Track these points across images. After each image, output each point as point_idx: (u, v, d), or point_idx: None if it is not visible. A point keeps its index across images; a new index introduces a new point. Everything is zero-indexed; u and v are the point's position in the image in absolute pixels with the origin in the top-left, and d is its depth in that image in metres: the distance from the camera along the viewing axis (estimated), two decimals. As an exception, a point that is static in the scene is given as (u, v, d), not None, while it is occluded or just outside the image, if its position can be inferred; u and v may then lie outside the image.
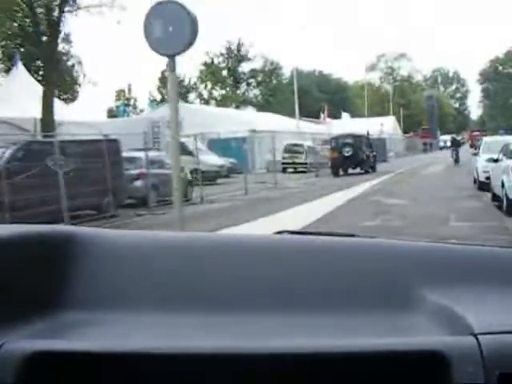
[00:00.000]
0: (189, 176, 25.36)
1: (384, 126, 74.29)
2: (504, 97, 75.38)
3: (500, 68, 78.14)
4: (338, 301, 1.36)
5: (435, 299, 1.32)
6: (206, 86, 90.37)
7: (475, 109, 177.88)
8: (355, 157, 38.20)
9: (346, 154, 38.14)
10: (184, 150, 30.67)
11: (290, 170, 43.76)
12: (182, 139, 35.59)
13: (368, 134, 47.53)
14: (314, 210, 19.47)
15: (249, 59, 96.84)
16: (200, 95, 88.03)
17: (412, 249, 1.56)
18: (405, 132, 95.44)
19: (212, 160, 36.66)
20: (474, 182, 25.42)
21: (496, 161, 18.90)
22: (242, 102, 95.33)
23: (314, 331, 1.26)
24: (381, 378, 1.13)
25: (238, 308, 1.33)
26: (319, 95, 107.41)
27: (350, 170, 39.22)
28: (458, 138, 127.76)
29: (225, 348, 1.14)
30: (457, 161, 45.48)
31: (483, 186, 22.40)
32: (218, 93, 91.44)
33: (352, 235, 1.69)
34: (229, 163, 39.05)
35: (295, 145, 45.45)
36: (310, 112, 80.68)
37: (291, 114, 65.90)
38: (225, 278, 1.41)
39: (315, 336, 1.23)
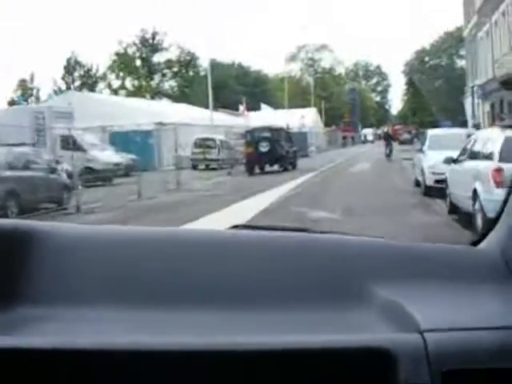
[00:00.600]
0: (64, 177, 19.85)
1: (305, 119, 69.85)
2: (429, 88, 71.66)
3: (426, 59, 74.56)
4: (287, 296, 1.35)
5: (384, 296, 1.32)
6: (117, 75, 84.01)
7: (397, 103, 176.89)
8: (273, 152, 33.35)
9: (263, 150, 33.20)
10: (72, 145, 25.31)
11: (202, 166, 38.48)
12: (74, 132, 30.46)
13: (288, 126, 42.40)
14: (213, 226, 14.18)
15: (164, 49, 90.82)
16: (109, 85, 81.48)
17: (363, 245, 1.56)
18: (326, 125, 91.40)
19: (106, 157, 30.99)
20: (417, 184, 20.55)
21: (455, 161, 13.95)
22: (156, 94, 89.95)
23: (262, 327, 1.25)
24: (327, 375, 1.13)
25: (188, 303, 1.32)
26: (238, 88, 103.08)
27: (268, 168, 34.61)
28: (378, 131, 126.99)
29: (171, 344, 1.14)
30: (389, 155, 43.67)
31: (431, 191, 17.85)
32: (130, 83, 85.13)
33: (305, 230, 1.69)
34: (129, 160, 33.23)
35: (207, 139, 40.34)
36: (229, 105, 77.26)
37: (208, 107, 61.30)
38: (177, 271, 1.39)
39: (263, 332, 1.21)
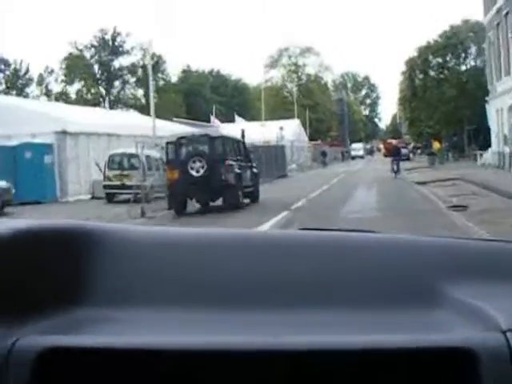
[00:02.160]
0: None
1: (285, 131, 56.37)
2: (434, 92, 58.12)
3: (430, 57, 60.92)
4: (361, 298, 1.31)
5: (460, 296, 1.28)
6: (67, 80, 70.26)
7: (385, 116, 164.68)
8: (212, 178, 19.33)
9: (195, 174, 19.20)
10: None
11: (124, 196, 24.76)
12: None
13: (243, 135, 28.46)
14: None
15: (126, 52, 77.17)
16: (47, 90, 67.63)
17: (435, 245, 1.50)
18: (312, 139, 78.12)
19: None
20: None
21: None
22: (115, 102, 76.51)
23: (335, 328, 1.22)
24: (408, 376, 1.11)
25: (255, 304, 1.29)
26: (215, 97, 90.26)
27: (212, 202, 20.44)
28: (368, 146, 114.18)
29: (234, 344, 1.12)
30: (396, 172, 36.76)
31: None
32: (75, 88, 71.37)
33: (372, 231, 1.63)
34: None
35: (128, 155, 26.32)
36: (201, 115, 66.94)
37: (178, 117, 53.68)
38: (242, 274, 1.36)
39: (336, 333, 1.18)
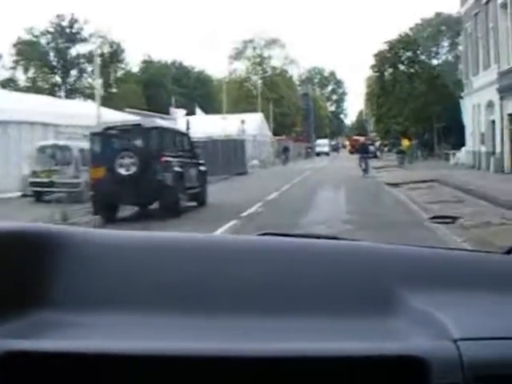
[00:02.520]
0: None
1: (247, 125, 52.85)
2: (405, 87, 54.85)
3: (401, 51, 57.54)
4: (317, 304, 1.33)
5: (416, 304, 1.29)
6: (14, 67, 66.03)
7: (351, 112, 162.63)
8: (146, 179, 15.60)
9: (125, 173, 15.61)
10: None
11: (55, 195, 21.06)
12: None
13: (188, 127, 24.87)
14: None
15: (84, 39, 72.99)
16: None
17: (394, 252, 1.52)
18: (276, 134, 74.77)
19: None
20: None
21: None
22: (72, 91, 72.36)
23: (292, 335, 1.23)
24: (358, 382, 1.12)
25: (215, 309, 1.31)
26: (177, 89, 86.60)
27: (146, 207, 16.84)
28: (333, 143, 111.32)
29: (206, 350, 1.13)
30: (365, 171, 34.50)
31: None
32: (30, 75, 67.17)
33: (335, 238, 1.66)
34: None
35: (60, 147, 22.56)
36: (161, 107, 62.87)
37: (137, 109, 47.61)
38: (205, 278, 1.38)
39: (292, 339, 1.19)
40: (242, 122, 51.03)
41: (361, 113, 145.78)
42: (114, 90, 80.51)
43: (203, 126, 47.42)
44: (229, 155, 37.40)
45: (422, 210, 16.67)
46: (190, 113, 63.38)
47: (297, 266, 1.41)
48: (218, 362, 1.10)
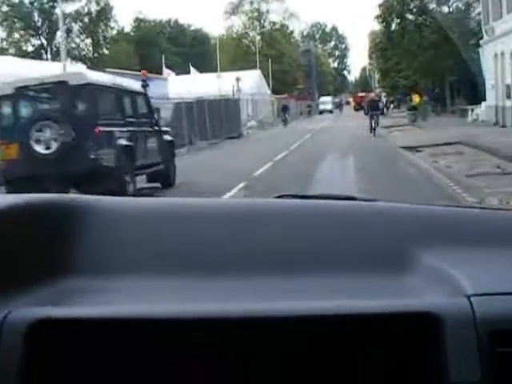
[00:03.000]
0: None
1: (244, 83, 48.11)
2: (414, 37, 49.68)
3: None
4: (333, 263, 1.35)
5: (430, 261, 1.31)
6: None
7: (354, 69, 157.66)
8: (75, 159, 10.76)
9: (44, 151, 10.92)
10: None
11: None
12: None
13: (144, 85, 20.11)
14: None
15: (68, -3, 67.71)
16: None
17: (408, 211, 1.53)
18: (276, 92, 69.92)
19: None
20: None
21: None
22: (58, 54, 67.43)
23: (309, 294, 1.25)
24: (373, 339, 1.15)
25: (236, 271, 1.32)
26: (172, 48, 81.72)
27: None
28: (336, 100, 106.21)
29: (222, 311, 1.15)
30: (375, 129, 31.16)
31: None
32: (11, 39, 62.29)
33: (353, 198, 1.66)
34: None
35: None
36: (155, 67, 57.59)
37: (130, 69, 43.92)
38: (224, 242, 1.40)
39: (309, 298, 1.21)
40: (237, 79, 46.28)
41: (364, 69, 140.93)
42: (106, 51, 76.00)
43: (198, 85, 43.52)
44: (220, 117, 32.75)
45: (462, 188, 12.06)
46: (185, 72, 59.09)
47: (313, 227, 1.42)
48: (240, 322, 1.12)
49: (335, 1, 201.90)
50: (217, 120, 32.15)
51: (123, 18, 74.43)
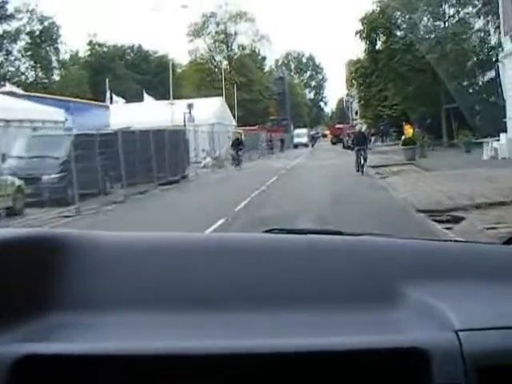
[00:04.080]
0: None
1: (201, 112, 39.13)
2: (405, 58, 40.58)
3: (397, 13, 43.12)
4: (320, 298, 1.33)
5: (418, 295, 1.30)
6: None
7: (331, 101, 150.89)
8: None
9: None
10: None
11: None
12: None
13: None
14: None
15: (8, 16, 58.43)
16: None
17: (396, 245, 1.55)
18: (245, 124, 60.97)
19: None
20: None
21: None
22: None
23: (296, 330, 1.24)
24: (361, 375, 1.13)
25: (223, 306, 1.31)
26: (134, 75, 73.23)
27: None
28: (312, 132, 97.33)
29: (212, 348, 1.14)
30: (362, 168, 25.27)
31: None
32: None
33: (340, 233, 1.67)
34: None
35: None
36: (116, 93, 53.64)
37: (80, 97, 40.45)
38: (214, 277, 1.38)
39: (296, 334, 1.20)
40: (190, 106, 37.07)
41: (341, 100, 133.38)
42: (56, 77, 67.10)
43: (151, 114, 38.16)
44: (158, 153, 23.47)
45: None
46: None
47: (300, 261, 1.41)
48: (226, 358, 1.11)
49: (311, 28, 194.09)
50: (154, 158, 22.91)
51: (79, 41, 66.35)
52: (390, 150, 41.43)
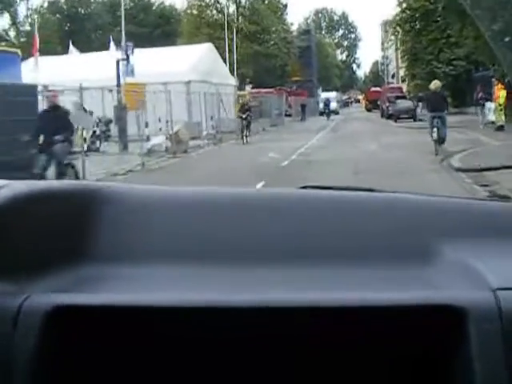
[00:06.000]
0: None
1: (172, 64, 23.69)
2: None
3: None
4: (356, 255, 1.30)
5: (454, 255, 1.26)
6: None
7: (364, 64, 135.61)
8: None
9: None
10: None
11: None
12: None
13: None
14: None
15: None
16: None
17: (432, 203, 1.47)
18: (260, 86, 45.72)
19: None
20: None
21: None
22: None
23: (332, 284, 1.21)
24: (397, 332, 1.11)
25: (256, 261, 1.28)
26: (129, 27, 58.39)
27: None
28: (344, 97, 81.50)
29: (240, 301, 1.11)
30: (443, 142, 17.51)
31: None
32: None
33: (371, 190, 1.60)
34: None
35: None
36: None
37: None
38: (244, 231, 1.35)
39: (332, 289, 1.17)
40: (127, 51, 21.57)
41: (375, 63, 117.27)
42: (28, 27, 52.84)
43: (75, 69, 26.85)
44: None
45: None
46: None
47: (335, 218, 1.37)
48: (257, 311, 1.09)
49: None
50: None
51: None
52: (458, 122, 25.86)
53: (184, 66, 28.25)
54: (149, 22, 68.26)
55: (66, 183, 1.47)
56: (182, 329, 1.11)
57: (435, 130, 17.20)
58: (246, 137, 26.22)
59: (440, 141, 17.05)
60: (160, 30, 65.17)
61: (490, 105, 24.74)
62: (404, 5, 40.75)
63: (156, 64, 27.60)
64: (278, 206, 1.41)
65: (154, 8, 71.94)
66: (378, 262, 1.26)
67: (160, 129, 22.74)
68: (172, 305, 1.09)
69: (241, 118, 26.82)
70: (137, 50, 26.43)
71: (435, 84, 18.74)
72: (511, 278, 1.11)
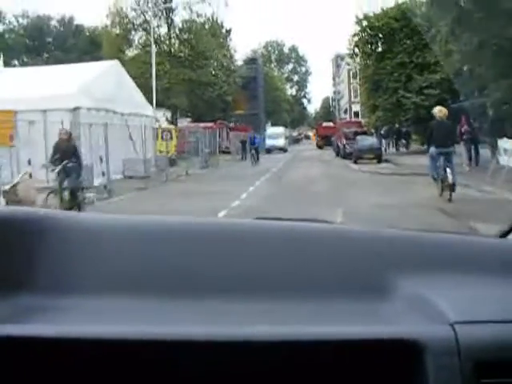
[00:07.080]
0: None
1: (55, 85, 15.34)
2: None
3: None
4: (311, 288, 1.27)
5: (411, 288, 1.24)
6: None
7: (315, 101, 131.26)
8: None
9: None
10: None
11: None
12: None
13: None
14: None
15: None
16: None
17: (388, 237, 1.46)
18: (199, 120, 38.14)
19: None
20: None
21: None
22: None
23: (285, 318, 1.18)
24: (355, 367, 1.09)
25: (208, 293, 1.25)
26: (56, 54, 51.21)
27: None
28: (294, 133, 75.02)
29: (185, 335, 1.08)
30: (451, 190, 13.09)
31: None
32: None
33: (326, 222, 1.60)
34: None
35: None
36: None
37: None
38: (193, 261, 1.31)
39: (285, 323, 1.15)
40: None
41: (327, 99, 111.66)
42: None
43: None
44: None
45: None
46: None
47: (290, 249, 1.33)
48: (204, 345, 1.06)
49: (294, 18, 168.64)
50: None
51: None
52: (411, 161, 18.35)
53: (72, 89, 20.12)
54: (78, 47, 61.05)
55: (6, 210, 1.38)
56: (110, 360, 1.05)
57: (444, 171, 12.96)
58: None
59: (452, 187, 12.93)
60: (89, 56, 57.48)
61: (505, 143, 17.13)
62: (364, 23, 33.44)
63: (35, 87, 19.62)
64: (229, 237, 1.34)
65: (87, 33, 64.53)
66: (335, 296, 1.21)
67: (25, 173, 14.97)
68: (99, 337, 1.04)
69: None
70: (9, 70, 18.34)
71: (441, 111, 13.76)
72: (468, 312, 1.09)
